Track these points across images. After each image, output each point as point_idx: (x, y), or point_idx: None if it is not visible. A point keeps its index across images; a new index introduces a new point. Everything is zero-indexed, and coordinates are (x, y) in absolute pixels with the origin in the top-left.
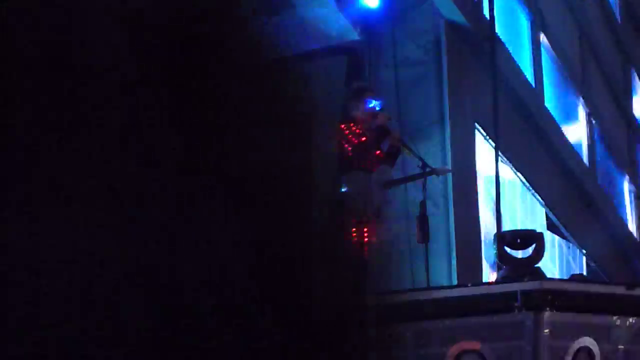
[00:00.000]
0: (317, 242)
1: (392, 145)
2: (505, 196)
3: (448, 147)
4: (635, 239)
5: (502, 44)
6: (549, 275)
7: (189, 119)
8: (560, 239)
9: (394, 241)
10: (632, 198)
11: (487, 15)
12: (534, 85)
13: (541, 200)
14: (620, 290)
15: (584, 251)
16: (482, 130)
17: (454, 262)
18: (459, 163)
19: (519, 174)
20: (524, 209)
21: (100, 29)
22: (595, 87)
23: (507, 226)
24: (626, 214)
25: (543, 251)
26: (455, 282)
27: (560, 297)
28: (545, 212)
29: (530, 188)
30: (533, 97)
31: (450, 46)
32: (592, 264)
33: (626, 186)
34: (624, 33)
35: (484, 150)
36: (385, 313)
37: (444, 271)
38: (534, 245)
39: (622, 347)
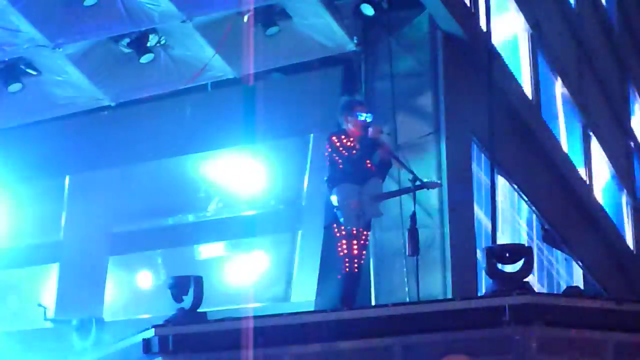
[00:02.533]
0: None
1: (383, 158)
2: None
3: (444, 158)
4: (632, 251)
5: (499, 56)
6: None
7: None
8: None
9: (387, 253)
10: (630, 211)
11: (484, 28)
12: (531, 97)
13: (537, 212)
14: (610, 305)
15: (580, 263)
16: (478, 142)
17: (448, 274)
18: (455, 175)
19: (514, 185)
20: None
21: None
22: (592, 97)
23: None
24: (624, 226)
25: (532, 265)
26: (450, 294)
27: (549, 311)
28: (541, 224)
29: (527, 200)
30: (530, 109)
31: (446, 58)
32: (589, 277)
33: (624, 199)
34: (621, 43)
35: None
36: (373, 326)
37: (438, 284)
38: (523, 260)
39: None
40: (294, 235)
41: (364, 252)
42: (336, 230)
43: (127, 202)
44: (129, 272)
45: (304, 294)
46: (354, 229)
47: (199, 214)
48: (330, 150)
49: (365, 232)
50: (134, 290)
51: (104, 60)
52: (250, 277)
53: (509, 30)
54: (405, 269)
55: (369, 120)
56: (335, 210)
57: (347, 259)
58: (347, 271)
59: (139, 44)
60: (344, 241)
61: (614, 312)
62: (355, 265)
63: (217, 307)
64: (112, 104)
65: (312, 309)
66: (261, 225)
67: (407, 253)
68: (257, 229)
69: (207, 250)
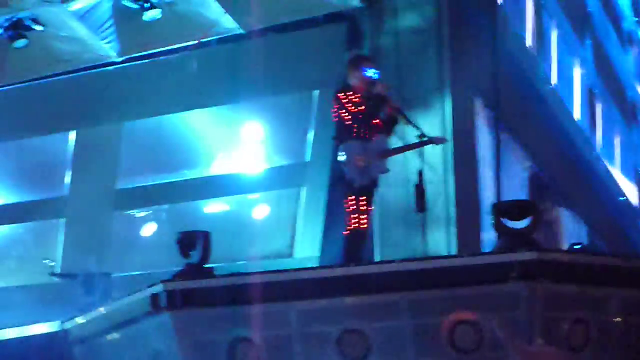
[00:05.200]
0: None
1: (390, 114)
2: None
3: (448, 115)
4: (636, 209)
5: (504, 11)
6: None
7: None
8: None
9: (393, 210)
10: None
11: None
12: (535, 52)
13: (540, 171)
14: (617, 261)
15: (583, 221)
16: (482, 98)
17: (453, 230)
18: (459, 131)
19: (518, 142)
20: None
21: None
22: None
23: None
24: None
25: (540, 222)
26: (454, 251)
27: (556, 268)
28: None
29: (530, 157)
30: (534, 64)
31: (451, 14)
32: (592, 235)
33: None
34: None
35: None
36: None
37: (442, 240)
38: (530, 216)
39: (618, 319)
40: (299, 191)
41: (371, 208)
42: (343, 186)
43: (132, 158)
44: (134, 228)
45: (308, 250)
46: (361, 185)
47: (204, 170)
48: (336, 106)
49: (372, 189)
50: (140, 245)
51: (109, 17)
52: (255, 233)
53: None
54: (410, 226)
55: (375, 76)
56: (342, 167)
57: (354, 215)
58: (354, 227)
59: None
60: (351, 198)
61: (621, 268)
62: (363, 222)
63: (221, 264)
64: (118, 59)
65: (316, 265)
66: (266, 182)
67: (413, 210)
68: (261, 185)
69: (212, 207)
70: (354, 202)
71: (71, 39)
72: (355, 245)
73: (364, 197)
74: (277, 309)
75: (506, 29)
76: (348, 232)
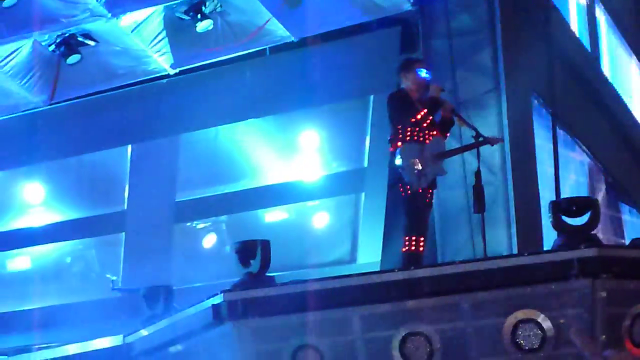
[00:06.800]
0: None
1: (444, 116)
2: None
3: (505, 114)
4: None
5: (557, 10)
6: None
7: None
8: None
9: (452, 211)
10: None
11: None
12: (590, 51)
13: (601, 165)
14: None
15: None
16: (538, 97)
17: (513, 230)
18: (516, 131)
19: (576, 139)
20: None
21: None
22: None
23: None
24: None
25: (599, 218)
26: (515, 250)
27: (617, 263)
28: (605, 178)
29: (589, 153)
30: (590, 63)
31: (504, 14)
32: None
33: None
34: None
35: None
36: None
37: (503, 240)
38: (589, 212)
39: None
40: (358, 197)
41: (429, 210)
42: (401, 190)
43: (189, 169)
44: (194, 240)
45: (370, 256)
46: (419, 188)
47: (261, 180)
48: (391, 110)
49: (429, 191)
50: (200, 257)
51: (161, 29)
52: (315, 240)
53: None
54: (470, 227)
55: (428, 77)
56: (398, 170)
57: (411, 237)
58: (411, 251)
59: (196, 10)
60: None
61: None
62: (421, 244)
63: (282, 272)
64: (172, 72)
65: (378, 269)
66: (324, 188)
67: (472, 211)
68: (320, 192)
69: (271, 216)
70: (413, 205)
71: (124, 53)
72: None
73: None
74: (338, 315)
75: (559, 27)
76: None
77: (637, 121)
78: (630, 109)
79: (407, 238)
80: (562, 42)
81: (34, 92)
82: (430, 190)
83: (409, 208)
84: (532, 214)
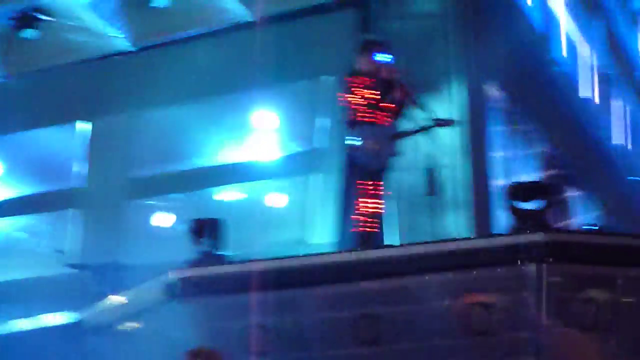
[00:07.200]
0: None
1: (400, 98)
2: None
3: (460, 98)
4: None
5: None
6: None
7: None
8: None
9: (405, 193)
10: None
11: None
12: (544, 33)
13: (554, 150)
14: (625, 240)
15: (597, 203)
16: (493, 81)
17: (465, 213)
18: (470, 115)
19: (530, 124)
20: None
21: None
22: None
23: None
24: None
25: (552, 203)
26: (467, 233)
27: (564, 248)
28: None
29: (545, 139)
30: (544, 46)
31: None
32: (606, 215)
33: None
34: None
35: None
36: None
37: (455, 222)
38: (542, 197)
39: (629, 299)
40: (312, 178)
41: (384, 192)
42: (355, 171)
43: (145, 147)
44: (147, 217)
45: (323, 236)
46: (374, 168)
47: (217, 158)
48: (346, 91)
49: (383, 172)
50: (153, 234)
51: (121, 6)
52: (269, 220)
53: None
54: (428, 209)
55: (386, 59)
56: (353, 151)
57: (369, 200)
58: (370, 211)
59: None
60: (363, 182)
61: (632, 248)
62: (379, 205)
63: (235, 251)
64: (130, 49)
65: (330, 250)
66: (279, 169)
67: (426, 193)
68: (275, 172)
69: (226, 195)
70: (366, 187)
71: (81, 29)
72: (371, 229)
73: (378, 182)
74: (289, 295)
75: (514, 10)
76: (360, 216)
77: (585, 104)
78: (584, 94)
79: (360, 219)
80: (517, 26)
81: None
82: (385, 172)
83: (362, 188)
84: (486, 198)
